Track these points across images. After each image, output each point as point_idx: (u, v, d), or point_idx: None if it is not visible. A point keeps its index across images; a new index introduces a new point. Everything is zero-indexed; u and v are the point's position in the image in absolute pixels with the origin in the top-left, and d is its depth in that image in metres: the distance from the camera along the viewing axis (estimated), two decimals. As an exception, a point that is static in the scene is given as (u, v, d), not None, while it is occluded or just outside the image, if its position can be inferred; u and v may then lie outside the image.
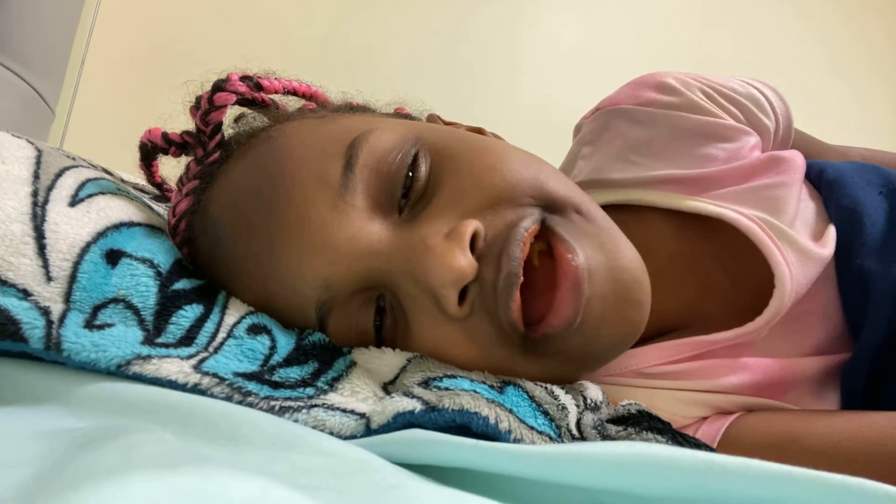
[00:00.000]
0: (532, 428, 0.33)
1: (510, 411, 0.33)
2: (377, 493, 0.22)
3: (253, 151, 0.42)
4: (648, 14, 1.79)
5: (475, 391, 0.34)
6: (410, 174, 0.39)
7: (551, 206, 0.40)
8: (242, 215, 0.40)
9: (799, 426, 0.42)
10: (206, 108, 0.43)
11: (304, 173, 0.39)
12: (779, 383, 0.47)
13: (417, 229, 0.38)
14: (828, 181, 0.53)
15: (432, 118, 0.53)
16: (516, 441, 0.31)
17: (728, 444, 0.44)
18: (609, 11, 1.78)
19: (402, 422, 0.31)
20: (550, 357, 0.39)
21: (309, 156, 0.39)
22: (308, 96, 0.50)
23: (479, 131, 0.51)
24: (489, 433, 0.31)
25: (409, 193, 0.39)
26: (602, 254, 0.39)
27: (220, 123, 0.44)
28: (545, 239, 0.39)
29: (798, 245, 0.48)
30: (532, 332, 0.38)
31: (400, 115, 0.52)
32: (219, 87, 0.44)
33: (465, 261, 0.36)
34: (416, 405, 0.32)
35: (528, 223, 0.38)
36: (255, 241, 0.39)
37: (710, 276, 0.51)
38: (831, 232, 0.49)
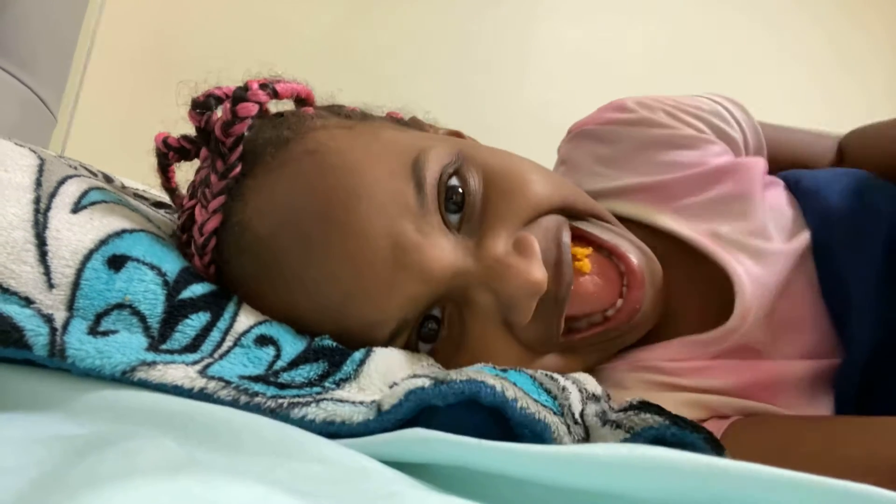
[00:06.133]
0: (536, 401, 0.34)
1: (514, 384, 0.34)
2: (377, 501, 0.22)
3: (294, 167, 0.41)
4: (650, 20, 1.79)
5: (481, 370, 0.36)
6: (461, 190, 0.42)
7: (573, 214, 0.46)
8: (308, 238, 0.39)
9: (797, 432, 0.42)
10: (228, 118, 0.42)
11: (379, 195, 0.39)
12: (769, 385, 0.47)
13: (488, 246, 0.41)
14: (803, 190, 0.53)
15: (415, 122, 0.53)
16: (522, 410, 0.32)
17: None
18: (611, 18, 1.78)
19: (414, 400, 0.32)
20: (583, 351, 0.46)
21: (379, 178, 0.40)
22: (309, 101, 0.50)
23: (458, 134, 0.54)
24: (497, 403, 0.32)
25: (462, 208, 0.42)
26: (640, 252, 0.46)
27: (243, 135, 0.42)
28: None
29: (749, 248, 0.49)
30: (594, 328, 0.45)
31: (398, 120, 0.52)
32: (241, 97, 0.42)
33: (542, 274, 0.40)
34: (425, 382, 0.33)
35: (567, 230, 0.44)
36: (331, 263, 0.39)
37: (682, 278, 0.51)
38: (804, 234, 0.50)
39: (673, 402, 0.48)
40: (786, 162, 0.62)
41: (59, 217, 0.37)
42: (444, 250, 0.40)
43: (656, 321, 0.48)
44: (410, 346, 0.42)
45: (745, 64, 1.76)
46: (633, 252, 0.46)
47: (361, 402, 0.34)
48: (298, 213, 0.40)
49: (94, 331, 0.33)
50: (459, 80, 1.66)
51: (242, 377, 0.34)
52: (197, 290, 0.38)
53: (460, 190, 0.42)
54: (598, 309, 0.45)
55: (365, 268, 0.39)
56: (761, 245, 0.49)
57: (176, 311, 0.37)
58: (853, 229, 0.48)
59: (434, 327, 0.43)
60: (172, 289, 0.37)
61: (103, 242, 0.37)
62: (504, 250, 0.41)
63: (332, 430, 0.32)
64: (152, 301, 0.36)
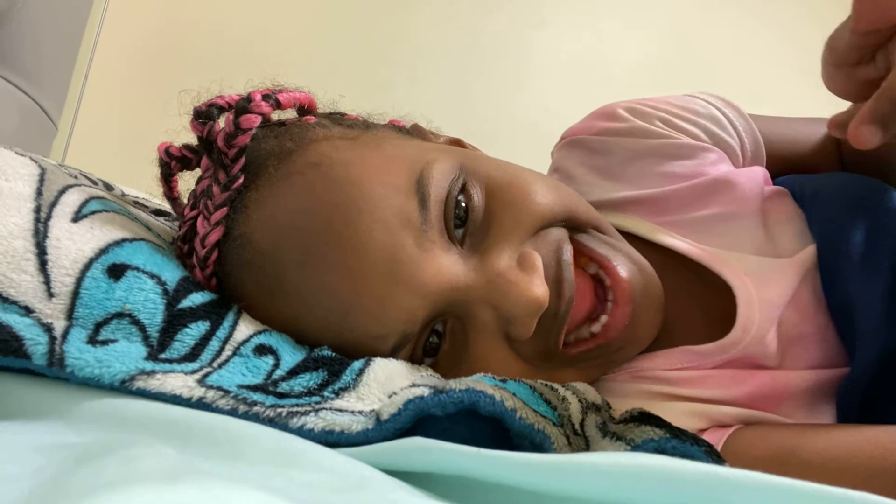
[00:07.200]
0: (536, 412, 0.34)
1: (513, 394, 0.34)
2: (377, 508, 0.22)
3: (297, 180, 0.41)
4: (650, 27, 1.80)
5: (480, 379, 0.36)
6: (464, 204, 0.42)
7: (575, 225, 0.46)
8: (310, 252, 0.39)
9: (797, 441, 0.42)
10: (231, 130, 0.42)
11: (382, 210, 0.39)
12: (771, 395, 0.46)
13: (491, 262, 0.41)
14: (808, 200, 0.52)
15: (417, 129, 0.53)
16: (521, 420, 0.32)
17: (726, 458, 0.44)
18: (611, 25, 1.79)
19: (413, 409, 0.32)
20: (582, 365, 0.45)
21: (383, 192, 0.40)
22: (311, 109, 0.50)
23: (459, 142, 0.53)
24: (496, 412, 0.32)
25: (465, 223, 0.42)
26: (634, 265, 0.45)
27: (246, 147, 0.42)
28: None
29: (752, 263, 0.49)
30: (584, 343, 0.44)
31: (401, 129, 0.52)
32: (244, 108, 0.42)
33: (544, 291, 0.40)
34: (424, 391, 0.33)
35: (568, 246, 0.44)
36: (332, 276, 0.39)
37: (683, 288, 0.51)
38: (809, 248, 0.49)
39: (673, 413, 0.47)
40: (787, 155, 0.61)
41: (60, 226, 0.37)
42: (442, 265, 0.40)
43: (655, 335, 0.47)
44: (415, 360, 0.42)
45: (746, 69, 1.76)
46: (625, 267, 0.45)
47: (360, 412, 0.34)
48: (301, 228, 0.40)
49: (93, 340, 0.33)
50: (459, 87, 1.67)
51: (241, 386, 0.34)
52: (196, 299, 0.38)
53: (464, 204, 0.42)
54: (577, 319, 0.44)
55: (364, 282, 0.39)
56: (764, 260, 0.49)
57: (175, 320, 0.37)
58: (860, 247, 0.47)
59: (436, 341, 0.43)
60: (172, 298, 0.37)
61: (103, 251, 0.37)
62: (507, 266, 0.41)
63: (332, 440, 0.32)
64: (152, 310, 0.36)
